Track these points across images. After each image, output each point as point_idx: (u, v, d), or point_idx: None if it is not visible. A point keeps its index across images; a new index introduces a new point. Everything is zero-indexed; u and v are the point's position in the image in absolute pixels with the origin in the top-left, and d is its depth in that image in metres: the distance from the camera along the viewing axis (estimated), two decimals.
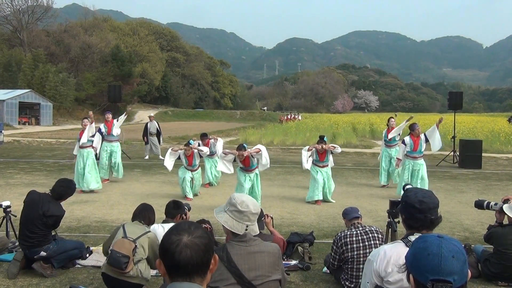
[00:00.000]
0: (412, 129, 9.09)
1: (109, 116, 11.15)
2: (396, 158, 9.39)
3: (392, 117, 11.20)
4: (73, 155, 10.12)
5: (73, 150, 10.08)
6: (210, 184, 10.65)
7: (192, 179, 9.14)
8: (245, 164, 7.93)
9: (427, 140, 9.12)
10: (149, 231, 4.23)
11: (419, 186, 8.71)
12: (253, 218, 2.70)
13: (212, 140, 10.68)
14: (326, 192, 8.75)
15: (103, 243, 4.52)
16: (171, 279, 1.51)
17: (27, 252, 4.67)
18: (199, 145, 9.52)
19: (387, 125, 10.97)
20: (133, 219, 4.35)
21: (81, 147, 9.65)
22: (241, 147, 7.95)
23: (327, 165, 8.82)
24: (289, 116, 51.81)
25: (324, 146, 8.57)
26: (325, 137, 9.09)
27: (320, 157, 8.71)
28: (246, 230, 2.64)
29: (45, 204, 4.69)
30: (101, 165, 10.76)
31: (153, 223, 4.48)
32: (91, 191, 9.45)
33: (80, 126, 10.91)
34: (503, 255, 4.54)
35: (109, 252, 4.01)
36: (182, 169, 9.21)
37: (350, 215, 4.56)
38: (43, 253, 4.63)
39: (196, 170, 9.27)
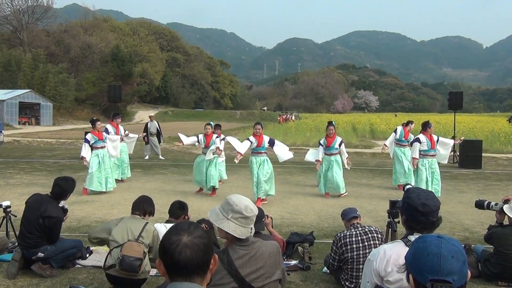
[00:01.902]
0: (428, 126, 9.01)
1: (118, 120, 11.35)
2: (413, 158, 8.94)
3: (412, 121, 11.15)
4: (80, 157, 9.71)
5: (82, 152, 9.48)
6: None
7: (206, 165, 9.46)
8: (259, 141, 8.56)
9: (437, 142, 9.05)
10: (147, 223, 4.31)
11: (435, 185, 8.83)
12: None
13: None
14: (333, 185, 9.31)
15: (92, 231, 4.52)
16: (171, 279, 1.51)
17: (25, 252, 4.66)
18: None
19: (407, 126, 10.72)
20: (132, 211, 4.46)
21: (96, 147, 9.49)
22: (258, 123, 8.84)
23: (334, 153, 9.58)
24: (284, 116, 51.25)
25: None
26: (333, 122, 9.96)
27: (327, 142, 9.49)
28: (251, 233, 2.65)
29: (44, 204, 4.69)
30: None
31: (149, 214, 4.53)
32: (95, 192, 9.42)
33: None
34: (503, 256, 4.54)
35: (120, 257, 3.97)
36: (198, 158, 9.73)
37: (349, 216, 4.55)
38: (40, 254, 4.61)
39: None
